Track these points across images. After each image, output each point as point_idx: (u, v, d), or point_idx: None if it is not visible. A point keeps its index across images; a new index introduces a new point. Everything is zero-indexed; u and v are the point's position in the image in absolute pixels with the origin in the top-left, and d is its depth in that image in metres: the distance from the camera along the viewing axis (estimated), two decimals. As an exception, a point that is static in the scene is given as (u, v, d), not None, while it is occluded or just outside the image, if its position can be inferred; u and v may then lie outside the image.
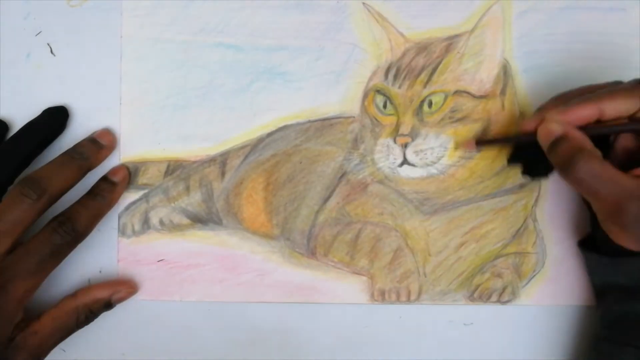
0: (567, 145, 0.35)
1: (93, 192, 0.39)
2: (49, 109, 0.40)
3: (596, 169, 0.34)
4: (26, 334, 0.37)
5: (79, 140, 0.40)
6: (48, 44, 0.40)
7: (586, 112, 0.35)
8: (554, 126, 0.36)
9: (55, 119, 0.40)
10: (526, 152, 0.40)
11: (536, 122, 0.37)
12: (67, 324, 0.38)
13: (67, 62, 0.41)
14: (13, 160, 0.38)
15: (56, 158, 0.38)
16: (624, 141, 0.37)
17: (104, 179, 0.40)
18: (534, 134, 0.37)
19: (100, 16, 0.41)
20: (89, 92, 0.41)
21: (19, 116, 0.40)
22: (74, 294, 0.39)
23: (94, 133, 0.40)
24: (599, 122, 0.36)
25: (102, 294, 0.39)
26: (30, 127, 0.39)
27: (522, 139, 0.39)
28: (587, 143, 0.35)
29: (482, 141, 0.41)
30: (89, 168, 0.39)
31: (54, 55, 0.41)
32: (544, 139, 0.36)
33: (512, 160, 0.41)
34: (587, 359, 0.40)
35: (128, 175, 0.41)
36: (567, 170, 0.35)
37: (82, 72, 0.41)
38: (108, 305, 0.39)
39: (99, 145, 0.40)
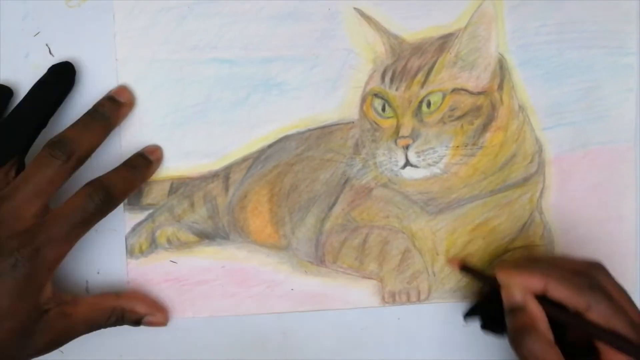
0: (522, 317, 0.35)
1: (130, 164, 0.39)
2: (55, 66, 0.39)
3: (541, 352, 0.34)
4: (59, 312, 0.35)
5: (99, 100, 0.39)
6: (47, 45, 0.40)
7: (532, 282, 0.35)
8: (516, 292, 0.36)
9: (63, 76, 0.39)
10: (489, 306, 0.40)
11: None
12: (99, 318, 0.37)
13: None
14: (31, 121, 0.37)
15: (78, 120, 0.37)
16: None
17: (140, 154, 0.39)
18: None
19: (98, 17, 0.40)
20: (89, 97, 0.40)
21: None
22: (118, 294, 0.39)
23: (111, 91, 0.39)
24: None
25: (141, 308, 0.39)
26: (41, 87, 0.38)
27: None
28: (542, 321, 0.35)
29: (467, 267, 0.41)
30: (112, 127, 0.38)
31: (53, 56, 0.40)
32: (505, 302, 0.36)
33: (470, 312, 0.41)
34: None
35: (161, 154, 0.40)
36: (515, 342, 0.35)
37: (81, 74, 0.40)
38: (137, 322, 0.39)
39: (117, 103, 0.39)
